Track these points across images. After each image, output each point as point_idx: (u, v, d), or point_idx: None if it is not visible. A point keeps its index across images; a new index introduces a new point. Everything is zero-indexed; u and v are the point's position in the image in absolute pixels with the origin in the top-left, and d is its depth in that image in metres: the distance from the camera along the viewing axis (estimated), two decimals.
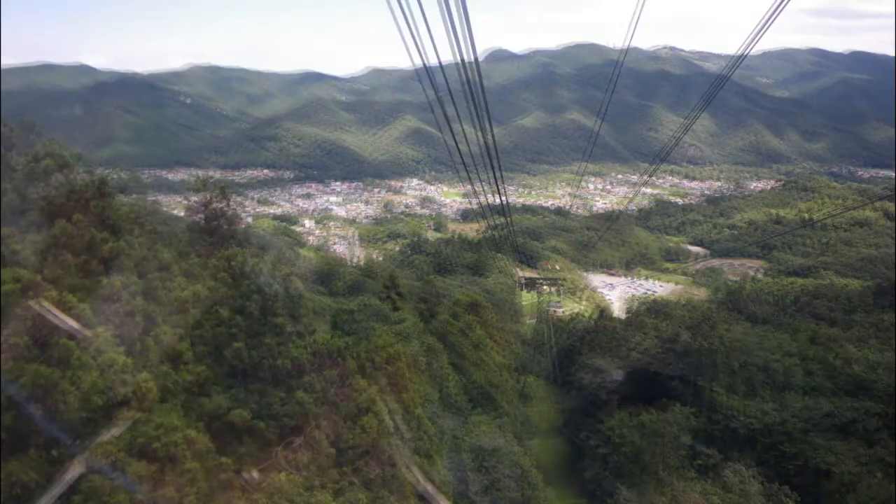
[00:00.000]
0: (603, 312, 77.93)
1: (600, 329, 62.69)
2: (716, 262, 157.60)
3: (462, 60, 6.69)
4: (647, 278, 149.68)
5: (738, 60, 12.15)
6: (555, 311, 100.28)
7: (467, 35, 6.23)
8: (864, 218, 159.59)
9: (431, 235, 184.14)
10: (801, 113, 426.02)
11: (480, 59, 6.84)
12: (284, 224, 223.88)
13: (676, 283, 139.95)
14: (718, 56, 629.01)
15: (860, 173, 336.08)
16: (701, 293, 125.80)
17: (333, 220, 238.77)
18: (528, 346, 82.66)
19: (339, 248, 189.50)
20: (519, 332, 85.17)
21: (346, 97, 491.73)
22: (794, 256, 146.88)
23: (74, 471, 15.25)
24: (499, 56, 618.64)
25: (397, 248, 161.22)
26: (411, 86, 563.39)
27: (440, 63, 7.23)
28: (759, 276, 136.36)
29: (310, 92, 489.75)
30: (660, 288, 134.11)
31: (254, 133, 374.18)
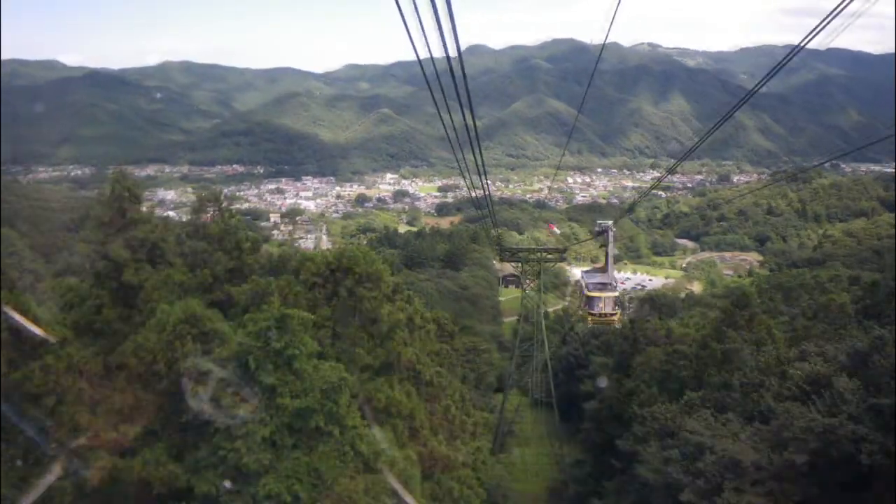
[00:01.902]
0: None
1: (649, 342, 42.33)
2: (706, 255, 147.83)
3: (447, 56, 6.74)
4: (635, 272, 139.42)
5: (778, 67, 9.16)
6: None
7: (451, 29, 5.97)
8: (862, 209, 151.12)
9: (405, 229, 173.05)
10: (782, 107, 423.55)
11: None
12: (248, 218, 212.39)
13: (667, 277, 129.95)
14: (696, 52, 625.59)
15: (843, 167, 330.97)
16: (696, 287, 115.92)
17: (303, 215, 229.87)
18: (510, 351, 71.32)
19: (306, 244, 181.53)
20: (497, 335, 73.09)
21: (322, 92, 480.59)
22: (791, 248, 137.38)
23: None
24: (477, 51, 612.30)
25: (365, 243, 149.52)
26: (388, 81, 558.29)
27: (432, 56, 7.07)
28: (758, 269, 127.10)
29: (285, 87, 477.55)
30: (650, 282, 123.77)
31: (226, 128, 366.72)
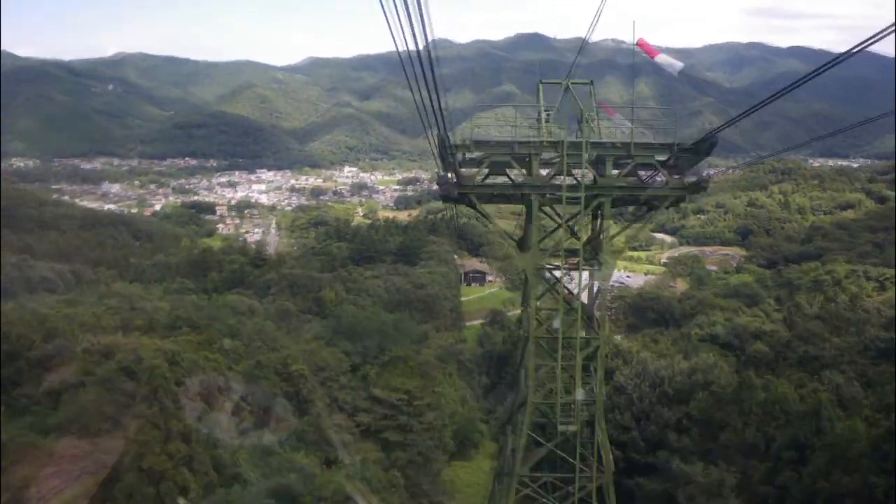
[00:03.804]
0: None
1: None
2: (686, 250, 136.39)
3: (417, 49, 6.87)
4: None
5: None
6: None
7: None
8: (848, 200, 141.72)
9: (361, 222, 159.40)
10: (747, 102, 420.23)
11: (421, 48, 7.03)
12: (192, 211, 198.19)
13: (647, 273, 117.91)
14: (661, 48, 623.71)
15: (812, 162, 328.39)
16: (681, 285, 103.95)
17: (253, 208, 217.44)
18: (475, 374, 57.16)
19: (254, 237, 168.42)
20: (458, 350, 58.86)
21: (281, 85, 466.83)
22: (778, 242, 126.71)
23: None
24: (441, 46, 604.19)
25: (314, 237, 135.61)
26: (350, 75, 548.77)
27: (406, 40, 7.02)
28: (746, 265, 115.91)
29: (243, 80, 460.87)
30: (628, 278, 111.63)
31: (180, 120, 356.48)
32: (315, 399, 36.46)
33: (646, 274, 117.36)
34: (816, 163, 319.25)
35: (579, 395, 16.21)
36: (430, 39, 8.35)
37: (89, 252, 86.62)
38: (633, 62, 18.21)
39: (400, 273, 76.55)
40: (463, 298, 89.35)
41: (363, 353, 47.71)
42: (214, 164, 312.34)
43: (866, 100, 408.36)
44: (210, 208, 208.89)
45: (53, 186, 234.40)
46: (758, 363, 45.54)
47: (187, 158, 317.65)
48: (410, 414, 38.00)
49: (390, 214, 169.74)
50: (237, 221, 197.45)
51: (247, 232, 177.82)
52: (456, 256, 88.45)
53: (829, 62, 8.29)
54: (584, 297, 18.70)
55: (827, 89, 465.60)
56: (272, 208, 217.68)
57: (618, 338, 64.28)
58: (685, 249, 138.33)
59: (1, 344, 28.05)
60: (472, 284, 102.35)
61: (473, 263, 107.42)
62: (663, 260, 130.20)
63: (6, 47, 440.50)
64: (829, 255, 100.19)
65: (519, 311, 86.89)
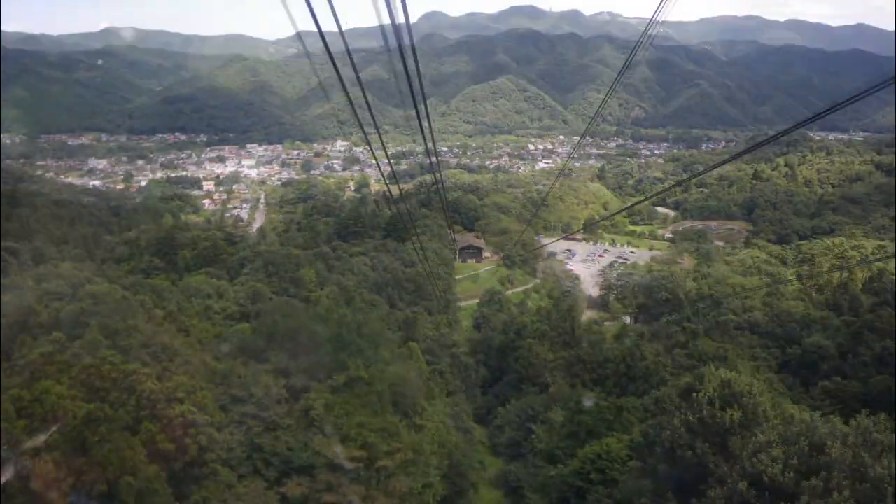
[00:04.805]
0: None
1: None
2: (689, 224, 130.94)
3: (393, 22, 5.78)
4: (613, 242, 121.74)
5: None
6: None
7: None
8: (858, 173, 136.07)
9: (352, 196, 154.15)
10: (746, 76, 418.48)
11: (414, 21, 6.60)
12: (178, 187, 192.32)
13: (651, 249, 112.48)
14: (657, 21, 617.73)
15: (812, 136, 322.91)
16: (688, 261, 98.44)
17: (241, 183, 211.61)
18: (472, 373, 51.10)
19: (241, 213, 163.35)
20: (451, 342, 52.34)
21: (273, 58, 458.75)
22: (786, 215, 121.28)
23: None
24: (434, 19, 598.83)
25: (300, 211, 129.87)
26: (343, 48, 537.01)
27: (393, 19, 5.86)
28: (755, 240, 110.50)
29: (234, 54, 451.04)
30: (632, 254, 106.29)
31: (169, 95, 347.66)
32: (213, 463, 25.95)
33: (650, 249, 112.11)
34: (817, 136, 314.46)
35: None
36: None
37: (55, 230, 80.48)
38: None
39: (388, 250, 70.85)
40: (457, 277, 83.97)
41: (309, 369, 32.98)
42: (204, 139, 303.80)
43: (862, 73, 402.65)
44: (196, 183, 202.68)
45: (39, 163, 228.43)
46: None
47: (177, 133, 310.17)
48: (369, 483, 27.07)
49: (383, 189, 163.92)
50: (224, 197, 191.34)
51: (234, 207, 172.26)
52: (450, 233, 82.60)
53: None
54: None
55: (822, 62, 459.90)
56: (261, 183, 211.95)
57: (627, 320, 58.70)
58: (689, 223, 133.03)
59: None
60: (468, 261, 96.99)
61: (469, 239, 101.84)
62: (667, 234, 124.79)
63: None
64: (846, 230, 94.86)
65: (518, 290, 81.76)
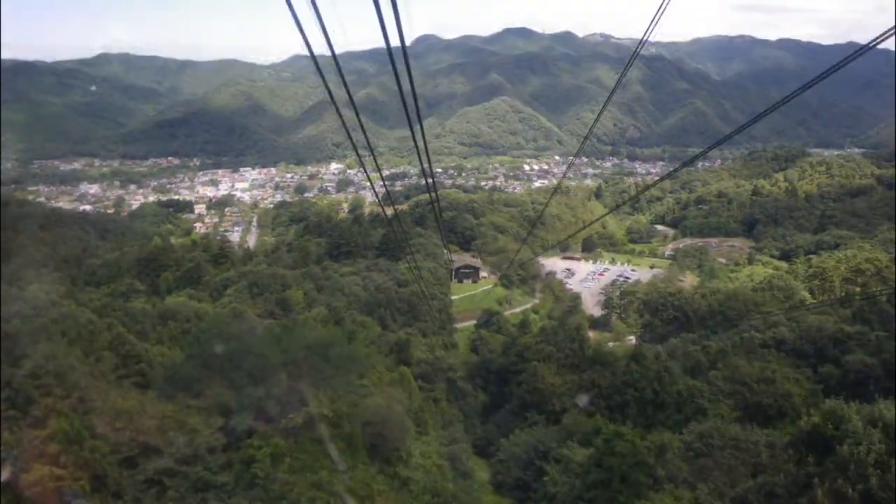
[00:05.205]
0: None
1: None
2: (690, 242, 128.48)
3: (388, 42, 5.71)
4: (613, 261, 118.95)
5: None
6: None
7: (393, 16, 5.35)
8: (859, 187, 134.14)
9: (346, 217, 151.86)
10: (739, 94, 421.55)
11: (409, 44, 6.12)
12: (169, 210, 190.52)
13: (652, 267, 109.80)
14: (650, 42, 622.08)
15: (810, 152, 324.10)
16: (690, 278, 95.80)
17: (234, 206, 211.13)
18: (469, 400, 47.41)
19: (233, 236, 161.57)
20: (447, 366, 48.24)
21: (267, 82, 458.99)
22: (789, 231, 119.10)
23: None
24: (428, 41, 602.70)
25: (293, 233, 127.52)
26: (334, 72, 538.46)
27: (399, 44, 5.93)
28: (758, 256, 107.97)
29: (227, 79, 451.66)
30: (633, 272, 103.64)
31: (163, 119, 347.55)
32: None
33: (651, 267, 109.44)
34: (814, 152, 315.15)
35: None
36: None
37: (35, 252, 77.53)
38: None
39: (381, 269, 67.99)
40: (454, 297, 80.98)
41: (257, 404, 25.65)
42: (198, 163, 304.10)
43: (853, 89, 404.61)
44: (188, 207, 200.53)
45: (30, 188, 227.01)
46: None
47: (170, 157, 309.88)
48: None
49: (378, 210, 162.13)
50: (216, 220, 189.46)
51: (225, 230, 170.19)
52: (446, 252, 79.92)
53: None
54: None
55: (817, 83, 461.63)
56: (254, 206, 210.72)
57: (632, 339, 55.45)
58: (689, 241, 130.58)
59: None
60: (465, 281, 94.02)
61: (465, 258, 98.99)
62: (667, 252, 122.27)
63: None
64: (852, 244, 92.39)
65: (517, 311, 78.77)
